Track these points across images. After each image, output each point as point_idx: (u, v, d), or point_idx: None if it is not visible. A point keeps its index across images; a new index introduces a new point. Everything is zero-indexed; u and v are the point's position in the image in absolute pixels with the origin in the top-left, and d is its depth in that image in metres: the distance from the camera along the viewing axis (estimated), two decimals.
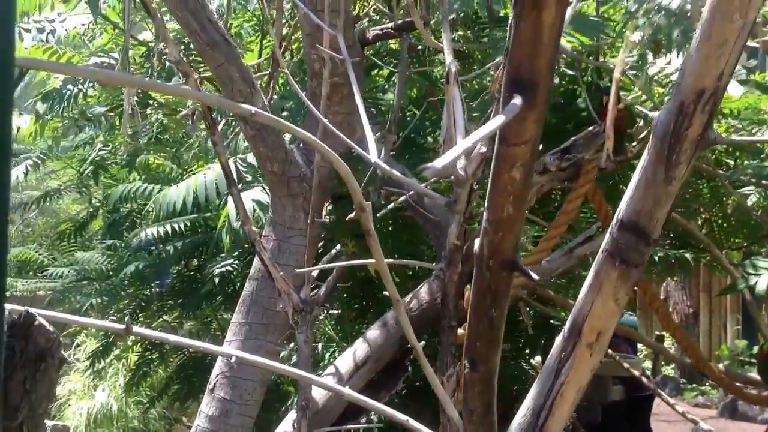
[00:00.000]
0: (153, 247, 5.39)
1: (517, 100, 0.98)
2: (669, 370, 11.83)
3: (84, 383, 7.70)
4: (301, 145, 2.93)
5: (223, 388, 2.79)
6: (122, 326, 1.56)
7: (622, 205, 1.57)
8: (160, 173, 5.40)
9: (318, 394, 2.86)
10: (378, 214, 2.95)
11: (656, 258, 4.57)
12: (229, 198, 3.78)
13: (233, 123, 4.09)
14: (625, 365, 5.69)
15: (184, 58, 2.66)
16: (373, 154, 2.08)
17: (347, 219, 2.24)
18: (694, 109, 1.44)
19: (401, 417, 1.79)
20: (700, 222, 4.94)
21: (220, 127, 3.06)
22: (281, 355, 3.41)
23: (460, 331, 3.08)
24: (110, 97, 4.93)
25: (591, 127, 2.93)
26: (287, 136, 2.89)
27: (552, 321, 5.86)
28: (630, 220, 1.57)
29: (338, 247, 2.97)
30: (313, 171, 2.76)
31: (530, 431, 1.72)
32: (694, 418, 4.67)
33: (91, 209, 6.44)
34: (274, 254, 2.80)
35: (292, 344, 4.41)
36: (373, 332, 3.03)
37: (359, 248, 3.46)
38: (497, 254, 1.17)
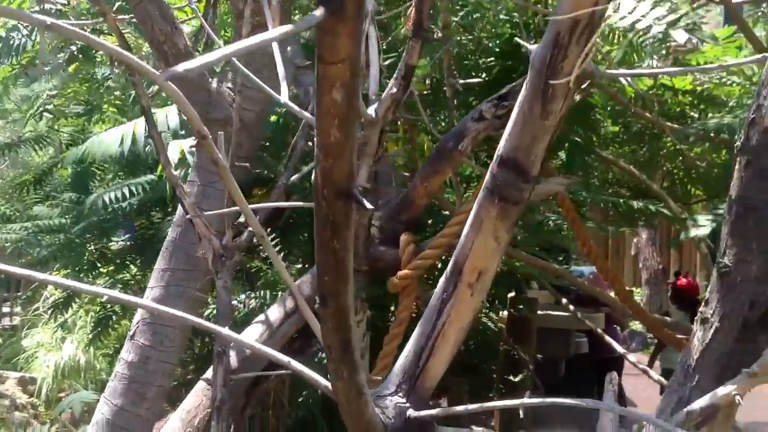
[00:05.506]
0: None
1: (319, 12, 0.93)
2: (637, 325, 11.73)
3: (52, 336, 7.69)
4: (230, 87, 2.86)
5: (143, 334, 2.75)
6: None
7: (502, 142, 1.52)
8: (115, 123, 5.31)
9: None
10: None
11: (619, 209, 4.51)
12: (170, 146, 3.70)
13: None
14: (587, 321, 5.69)
15: None
16: (284, 95, 2.02)
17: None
18: (569, 40, 1.38)
19: (283, 359, 1.76)
20: (661, 175, 4.89)
21: None
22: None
23: (394, 279, 3.05)
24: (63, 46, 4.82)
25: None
26: (214, 80, 2.82)
27: (519, 275, 5.85)
28: (509, 157, 1.52)
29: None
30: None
31: (412, 371, 1.69)
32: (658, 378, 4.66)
33: (52, 161, 6.36)
34: (198, 199, 2.75)
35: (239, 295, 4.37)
36: (305, 280, 3.00)
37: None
38: (330, 182, 1.11)
